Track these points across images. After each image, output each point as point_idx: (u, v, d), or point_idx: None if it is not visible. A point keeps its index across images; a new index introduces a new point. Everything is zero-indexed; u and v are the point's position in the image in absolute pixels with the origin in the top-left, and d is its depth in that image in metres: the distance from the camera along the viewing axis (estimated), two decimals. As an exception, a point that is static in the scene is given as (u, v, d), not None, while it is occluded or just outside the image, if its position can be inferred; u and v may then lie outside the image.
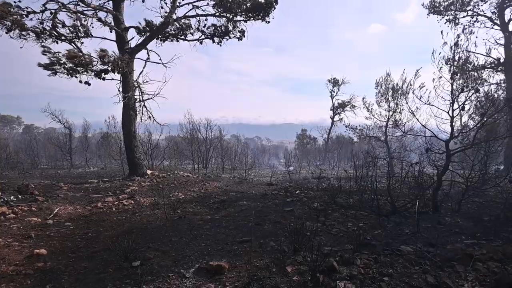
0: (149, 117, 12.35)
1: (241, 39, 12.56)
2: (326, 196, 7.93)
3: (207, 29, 12.33)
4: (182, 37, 12.49)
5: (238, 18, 12.07)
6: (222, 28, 12.26)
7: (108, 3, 11.68)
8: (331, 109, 31.02)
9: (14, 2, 8.79)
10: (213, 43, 12.68)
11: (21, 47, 9.00)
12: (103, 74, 9.83)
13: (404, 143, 14.43)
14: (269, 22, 12.29)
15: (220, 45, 12.74)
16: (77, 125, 23.67)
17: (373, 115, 15.40)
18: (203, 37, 12.52)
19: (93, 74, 9.60)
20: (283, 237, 4.71)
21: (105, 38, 11.19)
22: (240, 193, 9.16)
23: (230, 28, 12.30)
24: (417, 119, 7.08)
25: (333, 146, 30.36)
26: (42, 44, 9.07)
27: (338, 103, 30.54)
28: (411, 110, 7.49)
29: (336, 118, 30.93)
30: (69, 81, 9.48)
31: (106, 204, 7.27)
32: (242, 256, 4.01)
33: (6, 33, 8.55)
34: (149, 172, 12.04)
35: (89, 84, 9.78)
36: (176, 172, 13.08)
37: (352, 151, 16.58)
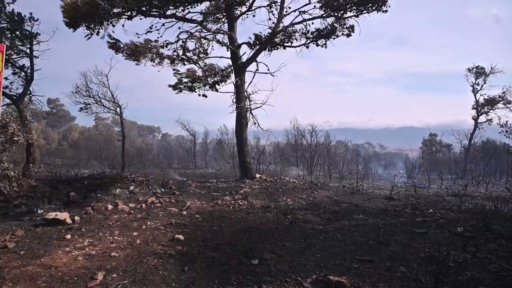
0: (254, 123, 13.19)
1: (350, 36, 11.51)
2: (474, 220, 6.35)
3: (311, 34, 11.88)
4: (288, 43, 12.40)
5: (348, 14, 11.12)
6: (328, 28, 11.48)
7: (224, 26, 13.31)
8: (473, 107, 24.10)
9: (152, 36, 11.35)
10: (317, 46, 12.07)
11: (158, 71, 11.38)
12: (216, 86, 11.18)
13: None
14: (386, 11, 10.77)
15: (326, 47, 12.00)
16: (200, 132, 28.46)
17: None
18: (308, 41, 12.12)
19: (207, 87, 11.05)
20: (416, 263, 4.02)
21: (223, 57, 12.73)
22: (354, 205, 8.38)
23: (338, 26, 11.42)
24: None
25: (477, 155, 23.65)
26: (174, 68, 11.14)
27: (484, 99, 23.37)
28: None
29: (482, 118, 23.67)
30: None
31: (225, 203, 8.07)
32: (366, 277, 3.69)
33: (140, 61, 10.93)
34: (257, 175, 12.77)
35: (206, 97, 11.32)
36: (282, 177, 13.36)
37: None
